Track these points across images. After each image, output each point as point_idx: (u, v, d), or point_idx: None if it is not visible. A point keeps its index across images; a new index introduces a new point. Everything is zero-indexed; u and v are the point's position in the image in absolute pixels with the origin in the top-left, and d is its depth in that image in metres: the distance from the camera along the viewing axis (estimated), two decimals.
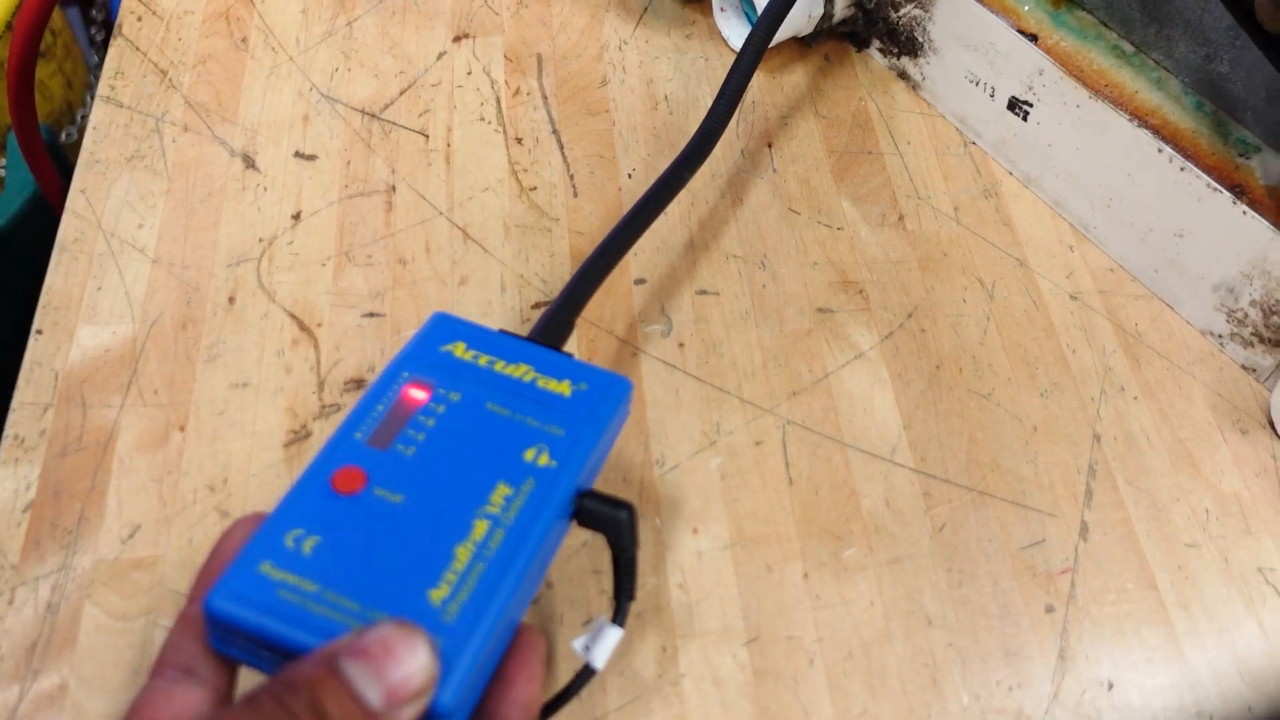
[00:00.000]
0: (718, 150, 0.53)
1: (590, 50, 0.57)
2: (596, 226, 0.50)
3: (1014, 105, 0.51)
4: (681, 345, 0.46)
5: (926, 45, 0.54)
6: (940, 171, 0.53)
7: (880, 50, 0.57)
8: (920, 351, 0.46)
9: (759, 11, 0.51)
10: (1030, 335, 0.47)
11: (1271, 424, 0.44)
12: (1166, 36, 0.51)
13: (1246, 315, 0.45)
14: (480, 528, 0.31)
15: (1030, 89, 0.50)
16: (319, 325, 0.46)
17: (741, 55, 0.50)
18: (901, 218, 0.51)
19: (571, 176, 0.52)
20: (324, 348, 0.45)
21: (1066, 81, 0.48)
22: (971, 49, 0.52)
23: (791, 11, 0.54)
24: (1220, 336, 0.47)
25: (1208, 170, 0.50)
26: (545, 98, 0.55)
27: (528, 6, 0.59)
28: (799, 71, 0.57)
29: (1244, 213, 0.43)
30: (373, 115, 0.54)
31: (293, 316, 0.46)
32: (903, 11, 0.54)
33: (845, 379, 0.45)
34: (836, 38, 0.58)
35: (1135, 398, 0.45)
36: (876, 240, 0.50)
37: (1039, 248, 0.50)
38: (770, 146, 0.53)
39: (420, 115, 0.54)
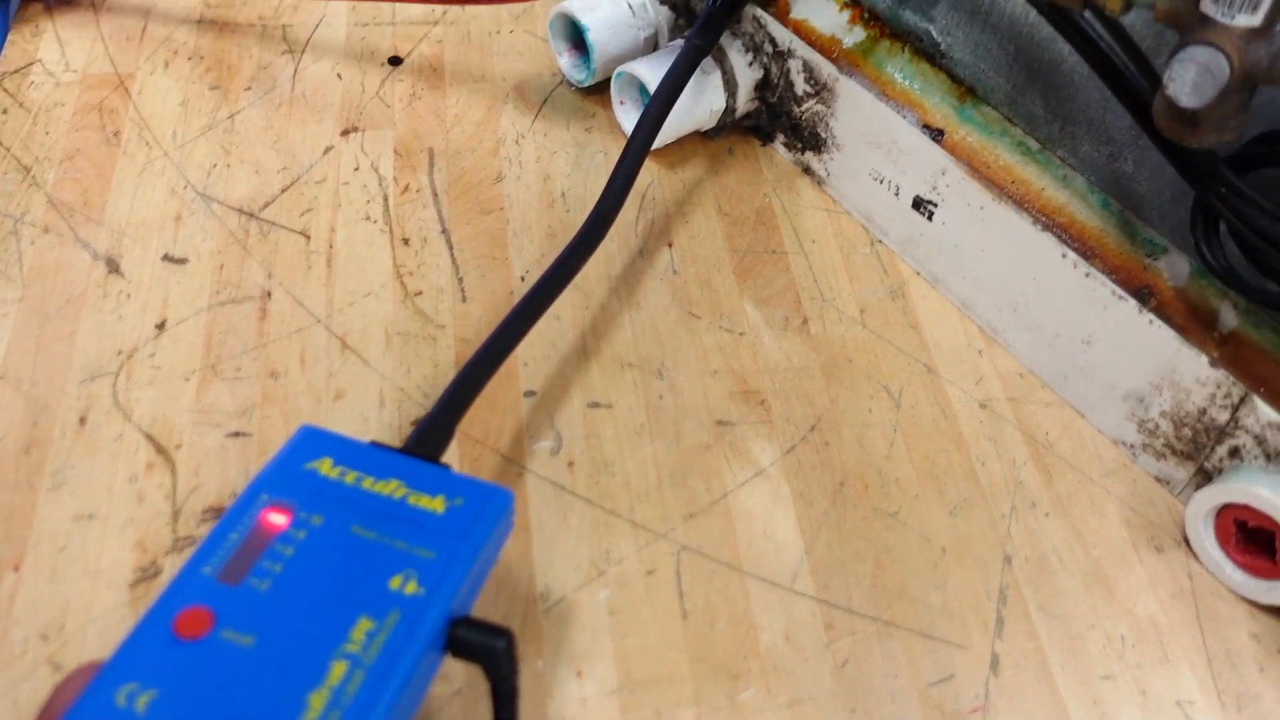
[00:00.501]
0: (615, 251, 0.50)
1: (486, 144, 0.55)
2: (485, 333, 0.47)
3: (918, 204, 0.50)
4: (571, 464, 0.43)
5: (830, 141, 0.53)
6: (846, 271, 0.51)
7: (785, 145, 0.56)
8: (824, 467, 0.44)
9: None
10: (939, 447, 0.45)
11: (1186, 541, 0.42)
12: (1070, 134, 0.50)
13: (1158, 426, 0.43)
14: (337, 670, 0.28)
15: (934, 189, 0.48)
16: (178, 447, 0.42)
17: (634, 136, 0.48)
18: (806, 321, 0.49)
19: (460, 279, 0.49)
20: (182, 473, 0.42)
21: (969, 183, 0.46)
22: (875, 146, 0.50)
23: (692, 105, 0.53)
24: (1133, 447, 0.45)
25: (1115, 271, 0.49)
26: (436, 195, 0.52)
27: (421, 98, 0.57)
28: (702, 167, 0.55)
29: (1150, 322, 0.42)
30: (251, 214, 0.51)
31: (149, 438, 0.43)
32: (805, 107, 0.53)
33: (745, 498, 0.43)
34: (741, 131, 0.57)
35: (1047, 514, 0.43)
36: (779, 346, 0.48)
37: (947, 352, 0.48)
38: (670, 246, 0.51)
39: (302, 214, 0.51)
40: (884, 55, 0.57)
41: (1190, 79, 0.34)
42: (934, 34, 0.54)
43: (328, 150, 0.54)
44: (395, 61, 0.58)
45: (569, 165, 0.54)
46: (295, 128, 0.55)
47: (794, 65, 0.52)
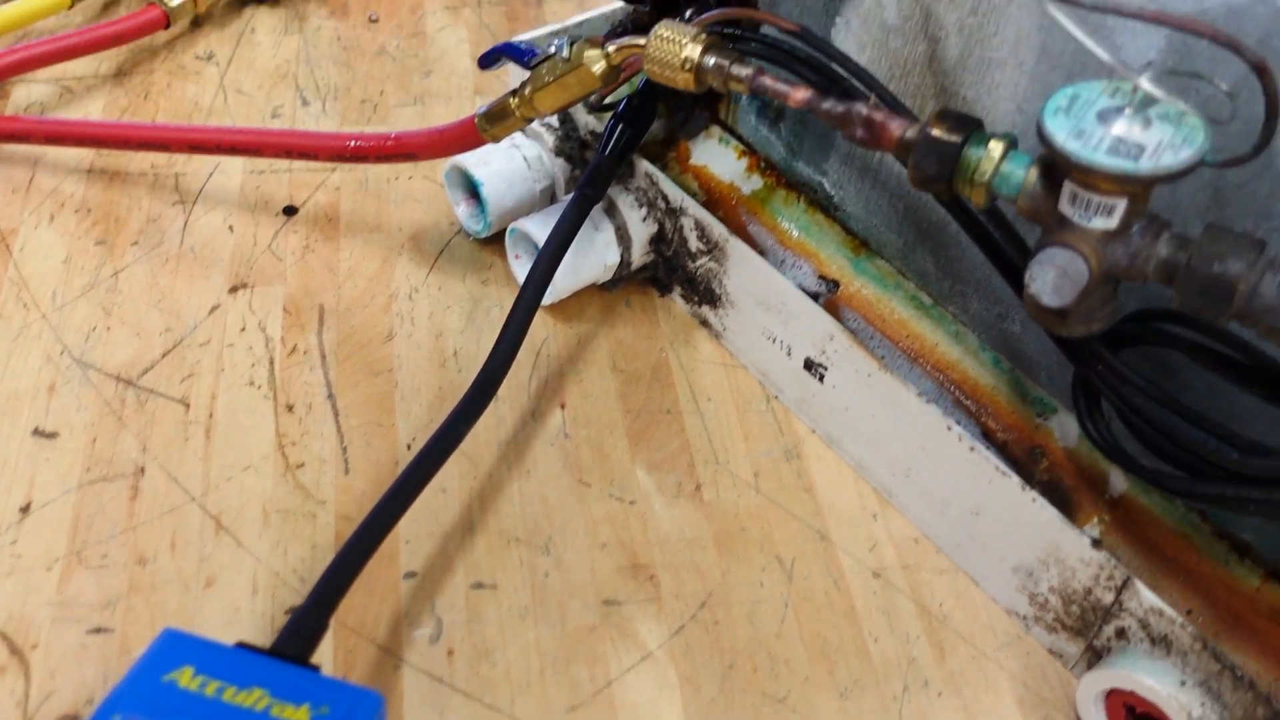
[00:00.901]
0: (506, 413, 0.50)
1: (378, 299, 0.54)
2: (367, 508, 0.45)
3: (810, 366, 0.49)
4: (451, 652, 0.42)
5: (724, 298, 0.53)
6: (741, 430, 0.50)
7: (683, 297, 0.55)
8: (713, 648, 0.43)
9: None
10: (830, 623, 0.44)
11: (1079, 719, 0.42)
12: (960, 292, 0.50)
13: (1047, 600, 0.43)
14: None
15: (824, 352, 0.48)
16: (34, 647, 0.40)
17: (520, 296, 0.47)
18: (699, 487, 0.48)
19: (345, 449, 0.48)
20: (36, 676, 0.40)
21: (856, 351, 0.46)
22: (766, 307, 0.50)
23: (585, 261, 0.53)
24: (1025, 618, 0.44)
25: (1007, 429, 0.49)
26: (324, 356, 0.51)
27: (314, 249, 0.56)
28: (599, 320, 0.54)
29: (1034, 500, 0.41)
30: (129, 382, 0.49)
31: (4, 637, 0.41)
32: (699, 263, 0.53)
33: (630, 686, 0.41)
34: (639, 282, 0.56)
35: (940, 693, 0.42)
36: (671, 515, 0.47)
37: (842, 517, 0.48)
38: (563, 408, 0.50)
39: (183, 380, 0.49)
40: (780, 204, 0.57)
41: (1050, 281, 0.34)
42: (827, 187, 0.55)
43: (214, 309, 0.53)
44: (290, 211, 0.58)
45: (463, 321, 0.53)
46: (182, 284, 0.53)
47: (686, 222, 0.52)
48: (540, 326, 0.54)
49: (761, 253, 0.55)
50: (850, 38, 0.49)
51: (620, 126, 0.52)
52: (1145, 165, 0.32)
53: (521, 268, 0.55)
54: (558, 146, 0.56)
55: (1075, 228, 0.34)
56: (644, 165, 0.53)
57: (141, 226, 0.56)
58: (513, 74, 0.55)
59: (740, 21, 0.46)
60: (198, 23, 0.68)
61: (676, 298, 0.56)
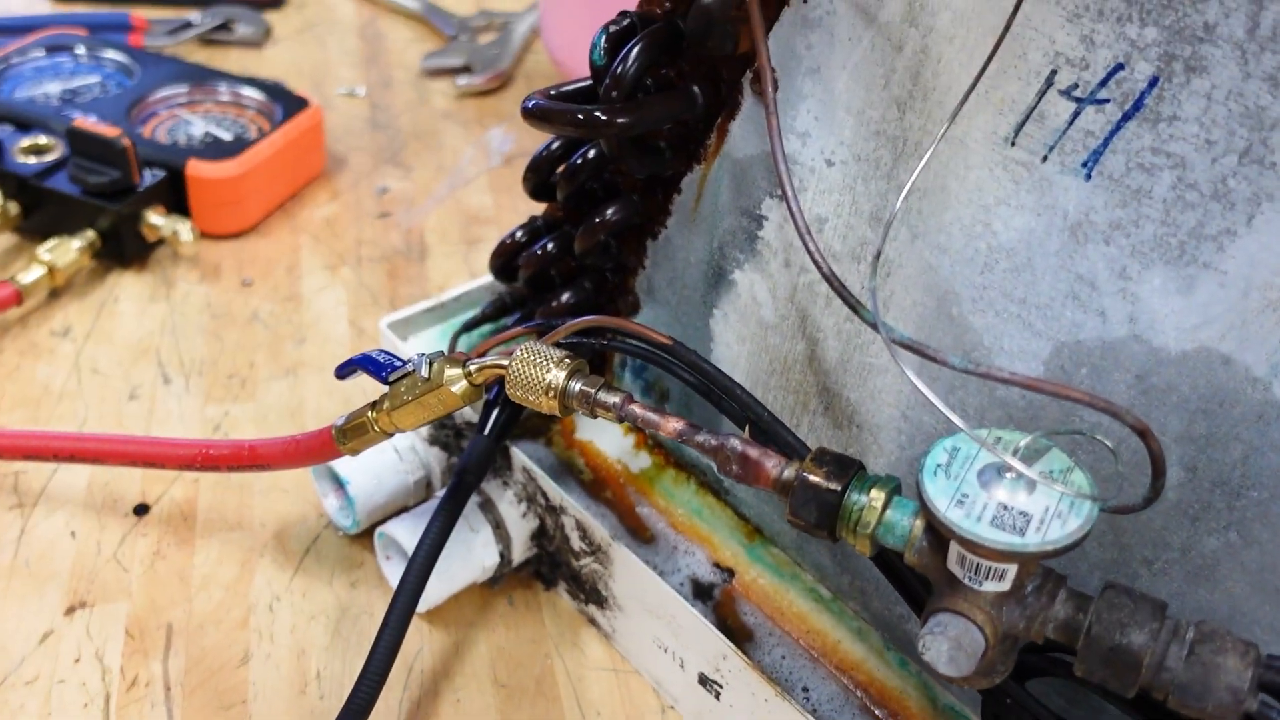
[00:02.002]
0: None
1: (234, 614, 0.49)
2: None
3: (705, 682, 0.46)
4: None
5: (611, 600, 0.49)
6: None
7: (569, 592, 0.52)
8: None
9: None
10: None
11: None
12: (860, 589, 0.47)
13: None
14: None
15: (718, 670, 0.45)
16: None
17: (390, 612, 0.43)
18: None
19: None
20: None
21: (752, 674, 0.43)
22: (655, 616, 0.47)
23: (460, 565, 0.49)
24: None
25: None
26: (168, 688, 0.46)
27: (165, 556, 0.51)
28: (478, 622, 0.50)
29: None
30: None
31: None
32: (582, 563, 0.49)
33: None
34: (524, 576, 0.52)
35: None
36: None
37: None
38: None
39: None
40: (671, 484, 0.54)
41: (945, 653, 0.31)
42: (715, 470, 0.52)
43: (46, 636, 0.47)
44: (141, 510, 0.53)
45: (328, 635, 0.49)
46: (11, 607, 0.48)
47: (567, 521, 0.49)
48: (414, 635, 0.49)
49: (651, 538, 0.52)
50: (729, 330, 0.47)
51: (499, 408, 0.49)
52: (1032, 541, 0.29)
53: (393, 570, 0.51)
54: (431, 435, 0.53)
55: (965, 589, 0.32)
56: (521, 458, 0.50)
57: None
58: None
59: (605, 331, 0.44)
60: (55, 294, 0.65)
61: (562, 593, 0.52)
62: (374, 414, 0.44)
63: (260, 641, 0.48)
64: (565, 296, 0.51)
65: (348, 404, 0.60)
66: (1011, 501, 0.30)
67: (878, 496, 0.33)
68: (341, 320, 0.66)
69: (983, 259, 0.37)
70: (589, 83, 0.44)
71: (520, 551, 0.51)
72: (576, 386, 0.39)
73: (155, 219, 0.66)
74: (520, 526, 0.50)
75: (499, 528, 0.50)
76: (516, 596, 0.52)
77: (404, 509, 0.53)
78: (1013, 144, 0.34)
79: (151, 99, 0.75)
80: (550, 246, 0.51)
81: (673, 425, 0.37)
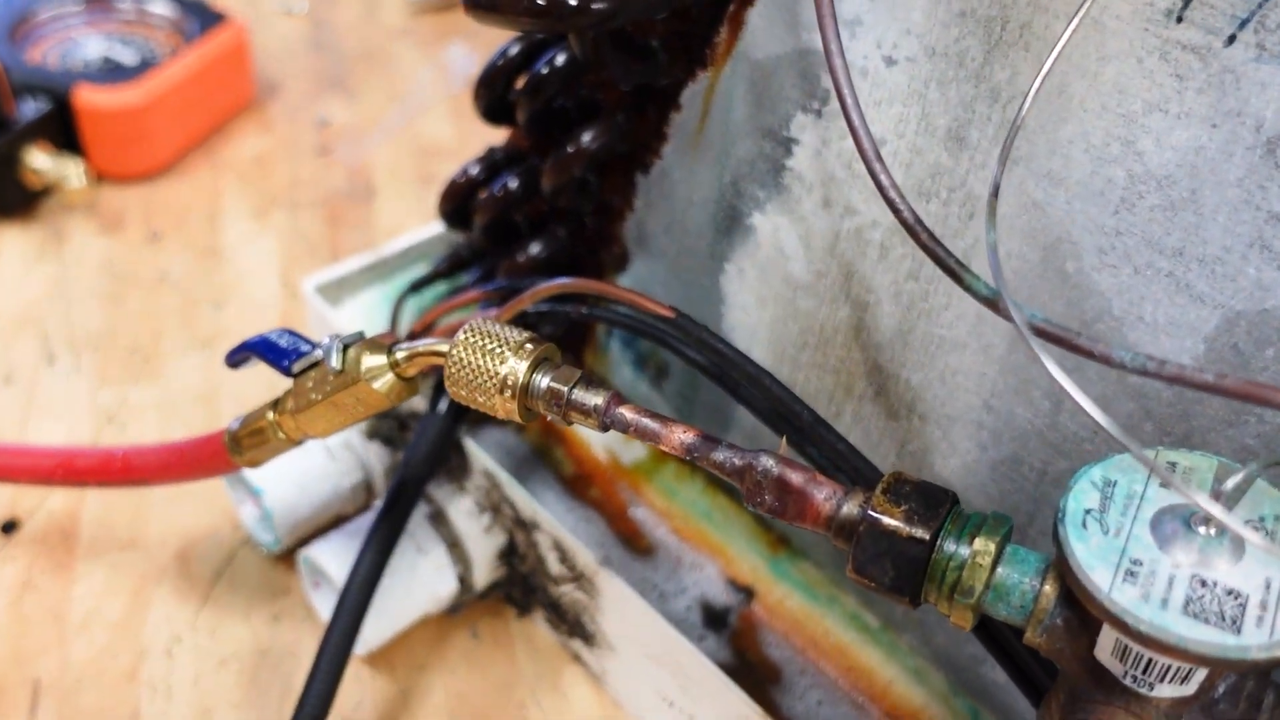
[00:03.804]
0: None
1: (121, 662, 0.39)
2: None
3: None
4: None
5: (600, 637, 0.39)
6: None
7: (547, 621, 0.41)
8: None
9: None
10: None
11: None
12: (918, 619, 0.37)
13: None
14: None
15: None
16: None
17: (319, 660, 0.34)
18: None
19: None
20: None
21: None
22: (658, 662, 0.36)
23: (409, 594, 0.38)
24: None
25: None
26: None
27: (37, 588, 0.41)
28: (433, 662, 0.40)
29: None
30: None
31: None
32: (563, 590, 0.39)
33: None
34: (491, 600, 0.42)
35: None
36: None
37: None
38: None
39: None
40: (673, 480, 0.44)
41: None
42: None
43: None
44: (9, 528, 0.42)
45: (242, 688, 0.38)
46: None
47: (542, 539, 0.38)
48: (351, 683, 0.39)
49: (649, 549, 0.41)
50: (746, 290, 0.36)
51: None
52: (1254, 642, 0.19)
53: (324, 599, 0.40)
54: (371, 427, 0.42)
55: (1126, 691, 0.21)
56: (481, 457, 0.39)
57: None
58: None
59: (585, 297, 0.33)
60: None
61: (540, 621, 0.42)
62: (275, 416, 0.33)
63: (154, 698, 0.38)
64: (533, 249, 0.40)
65: (274, 388, 0.49)
66: (1212, 573, 0.19)
67: (984, 549, 0.23)
68: (271, 278, 0.55)
69: (1118, 192, 0.25)
70: None
71: (484, 575, 0.40)
72: (543, 382, 0.28)
73: (39, 161, 0.54)
74: (483, 544, 0.40)
75: (455, 546, 0.39)
76: (482, 627, 0.41)
77: (339, 519, 0.42)
78: (1179, 19, 0.23)
79: (38, 18, 0.62)
80: (512, 184, 0.39)
81: (679, 438, 0.26)
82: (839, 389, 0.35)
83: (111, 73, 0.59)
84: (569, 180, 0.36)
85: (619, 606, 0.37)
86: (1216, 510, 0.19)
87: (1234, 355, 0.25)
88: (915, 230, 0.23)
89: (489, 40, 0.72)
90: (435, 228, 0.48)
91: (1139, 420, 0.28)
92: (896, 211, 0.23)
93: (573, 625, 0.40)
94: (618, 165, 0.38)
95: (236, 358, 0.33)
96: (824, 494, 0.25)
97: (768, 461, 0.25)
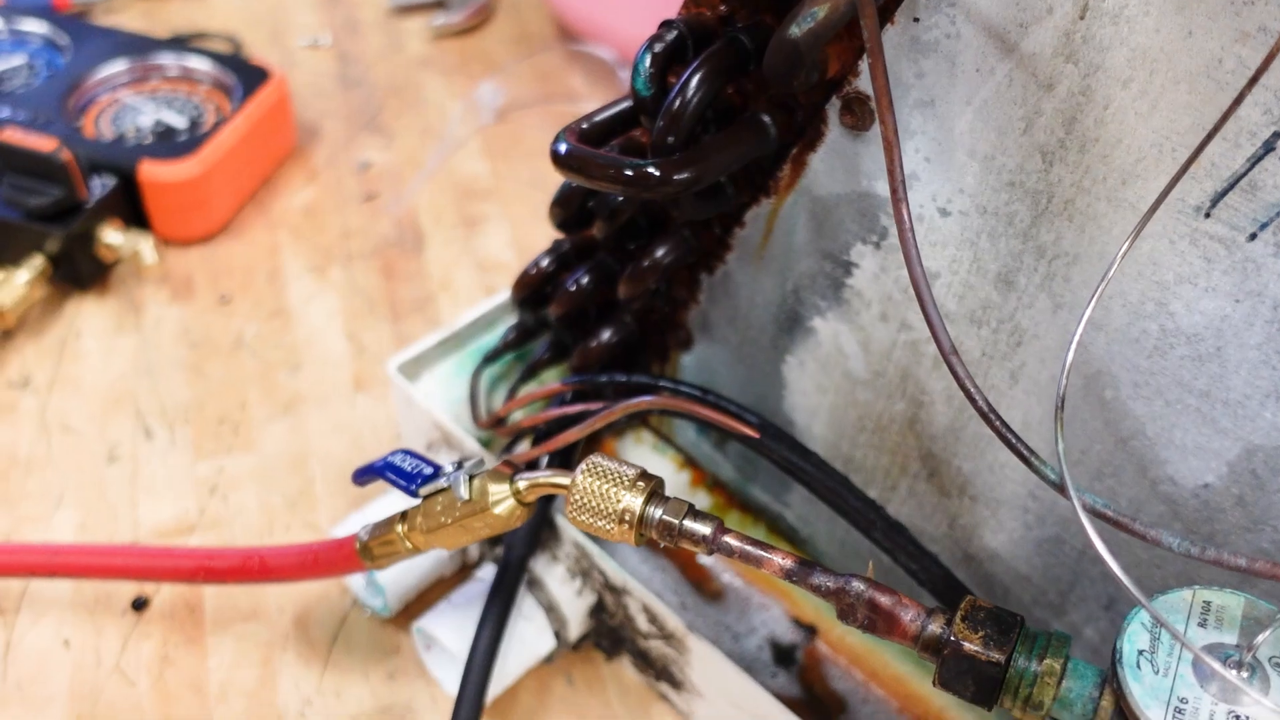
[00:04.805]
0: None
1: None
2: None
3: None
4: None
5: (687, 685, 0.43)
6: None
7: (635, 666, 0.46)
8: None
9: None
10: None
11: None
12: None
13: None
14: None
15: None
16: None
17: None
18: None
19: None
20: None
21: None
22: (743, 711, 0.41)
23: (516, 658, 0.43)
24: None
25: None
26: None
27: (174, 662, 0.45)
28: (535, 710, 0.45)
29: None
30: None
31: None
32: (651, 644, 0.44)
33: None
34: (581, 648, 0.47)
35: None
36: None
37: None
38: None
39: None
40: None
41: None
42: (789, 519, 0.46)
43: None
44: (140, 605, 0.47)
45: None
46: None
47: (631, 603, 0.43)
48: None
49: (719, 593, 0.46)
50: (806, 378, 0.40)
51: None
52: None
53: (436, 661, 0.45)
54: None
55: None
56: (571, 532, 0.43)
57: None
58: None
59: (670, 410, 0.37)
60: (8, 335, 0.57)
61: (627, 665, 0.46)
62: (404, 528, 0.37)
63: None
64: (604, 335, 0.44)
65: (358, 449, 0.53)
66: (1244, 709, 0.24)
67: (1051, 666, 0.27)
68: (337, 335, 0.59)
69: (1152, 341, 0.30)
70: (629, 105, 0.36)
71: (577, 630, 0.45)
72: (657, 514, 0.32)
73: (112, 237, 0.58)
74: (575, 605, 0.44)
75: (551, 610, 0.44)
76: (575, 673, 0.46)
77: (439, 581, 0.47)
78: (1207, 215, 0.27)
79: (89, 82, 0.65)
80: (585, 281, 0.43)
81: (779, 563, 0.31)
82: (894, 467, 0.40)
83: (167, 141, 0.62)
84: (644, 290, 0.40)
85: (708, 666, 0.41)
86: (1232, 676, 0.24)
87: (1252, 479, 0.29)
88: (988, 415, 0.27)
89: (514, 76, 0.75)
90: (495, 300, 0.52)
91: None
92: (960, 386, 0.27)
93: (660, 671, 0.45)
94: (685, 268, 0.42)
95: (364, 479, 0.37)
96: (910, 615, 0.29)
97: (859, 586, 0.30)
